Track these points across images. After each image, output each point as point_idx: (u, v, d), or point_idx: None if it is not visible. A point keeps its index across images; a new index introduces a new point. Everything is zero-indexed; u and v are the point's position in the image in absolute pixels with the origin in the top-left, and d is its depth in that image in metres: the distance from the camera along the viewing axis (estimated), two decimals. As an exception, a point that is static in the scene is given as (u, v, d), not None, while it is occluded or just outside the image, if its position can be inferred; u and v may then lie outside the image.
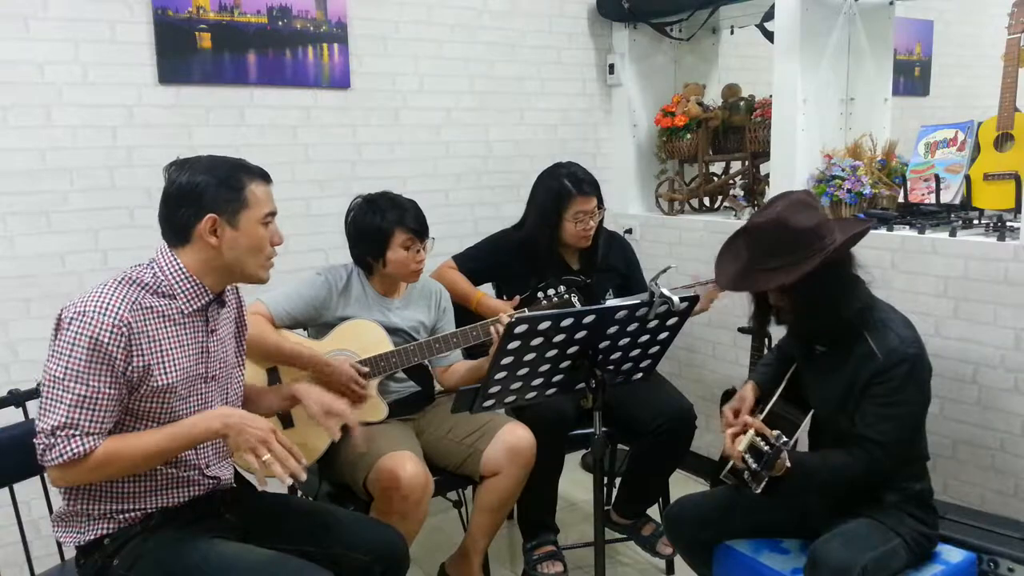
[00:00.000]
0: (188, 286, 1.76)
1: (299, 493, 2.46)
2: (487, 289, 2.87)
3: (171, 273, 1.74)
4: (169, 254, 1.76)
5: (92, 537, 1.74)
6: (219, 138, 2.86)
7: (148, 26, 2.71)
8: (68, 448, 1.60)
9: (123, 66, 2.69)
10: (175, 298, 1.75)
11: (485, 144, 3.45)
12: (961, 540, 2.05)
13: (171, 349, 1.73)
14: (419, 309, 2.53)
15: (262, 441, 1.68)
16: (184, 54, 2.77)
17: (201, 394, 1.82)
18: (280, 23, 2.93)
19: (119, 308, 1.65)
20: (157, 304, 1.72)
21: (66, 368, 1.61)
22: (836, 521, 1.93)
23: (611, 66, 3.66)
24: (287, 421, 2.32)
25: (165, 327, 1.73)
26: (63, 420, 1.60)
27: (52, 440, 1.61)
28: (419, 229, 2.40)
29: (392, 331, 2.44)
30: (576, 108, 3.67)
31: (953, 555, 1.99)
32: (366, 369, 2.33)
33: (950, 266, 2.48)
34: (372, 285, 2.48)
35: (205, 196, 1.72)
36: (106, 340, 1.62)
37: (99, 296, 1.66)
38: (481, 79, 3.40)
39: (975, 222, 2.60)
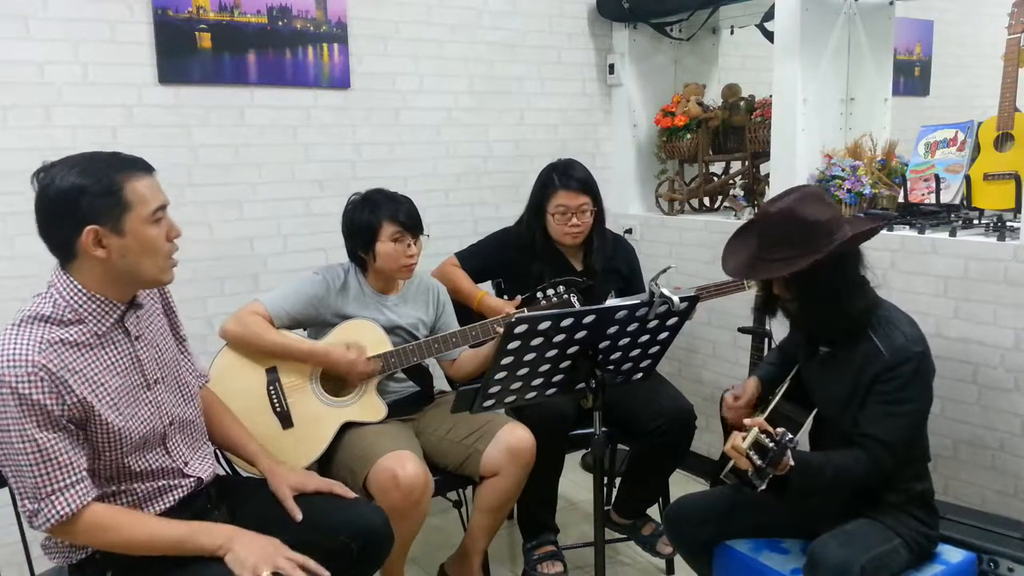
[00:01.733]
0: (93, 307, 1.61)
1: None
2: (488, 288, 2.88)
3: (71, 297, 1.59)
4: (64, 275, 1.61)
5: (83, 556, 1.70)
6: (219, 138, 2.87)
7: (148, 26, 2.71)
8: (54, 512, 1.55)
9: (123, 66, 2.70)
10: (84, 322, 1.60)
11: (485, 144, 3.45)
12: (961, 540, 2.05)
13: (99, 374, 1.61)
14: (417, 306, 2.53)
15: (264, 560, 1.62)
16: (184, 54, 2.77)
17: (149, 402, 1.72)
18: (280, 23, 2.93)
19: (27, 353, 1.52)
20: (67, 335, 1.58)
21: (9, 431, 1.52)
22: (836, 521, 1.92)
23: (611, 66, 3.66)
24: (287, 421, 2.33)
25: (83, 355, 1.59)
26: (33, 481, 1.54)
27: (37, 506, 1.55)
28: (409, 223, 2.39)
29: (391, 329, 2.44)
30: (576, 108, 3.67)
31: (953, 555, 1.99)
32: (368, 355, 2.34)
33: (950, 266, 2.48)
34: (369, 282, 2.48)
35: (80, 206, 1.54)
36: (28, 391, 1.50)
37: (2, 348, 1.53)
38: (481, 79, 3.40)
39: (975, 222, 2.60)
